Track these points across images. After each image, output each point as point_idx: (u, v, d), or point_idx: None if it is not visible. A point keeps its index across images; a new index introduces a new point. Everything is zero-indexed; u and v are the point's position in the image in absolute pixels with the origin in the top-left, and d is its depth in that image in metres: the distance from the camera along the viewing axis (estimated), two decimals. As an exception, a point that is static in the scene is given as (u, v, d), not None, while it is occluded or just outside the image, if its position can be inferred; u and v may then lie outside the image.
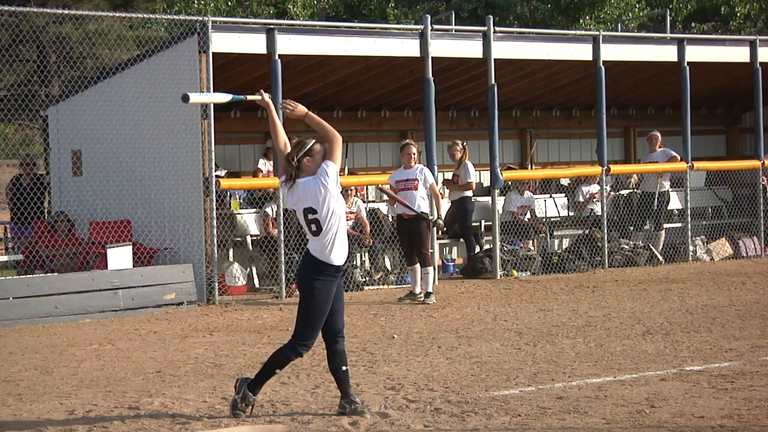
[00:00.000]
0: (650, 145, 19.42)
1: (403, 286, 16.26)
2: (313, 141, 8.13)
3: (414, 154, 14.87)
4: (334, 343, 8.17)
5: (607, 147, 18.55)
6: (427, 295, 14.63)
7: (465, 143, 17.78)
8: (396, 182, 14.91)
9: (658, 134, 19.37)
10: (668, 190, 19.20)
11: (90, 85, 16.22)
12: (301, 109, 8.25)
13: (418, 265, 14.72)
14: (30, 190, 15.96)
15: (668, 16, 24.25)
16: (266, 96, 8.41)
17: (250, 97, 8.42)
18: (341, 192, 8.26)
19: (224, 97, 8.59)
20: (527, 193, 18.60)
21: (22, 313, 13.39)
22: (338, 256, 8.00)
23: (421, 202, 14.67)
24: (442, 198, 16.27)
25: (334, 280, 8.02)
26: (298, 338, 8.07)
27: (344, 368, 8.19)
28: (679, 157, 18.98)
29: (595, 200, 18.61)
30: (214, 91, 14.29)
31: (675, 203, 19.99)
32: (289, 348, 8.13)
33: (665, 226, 19.27)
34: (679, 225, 19.45)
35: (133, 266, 14.70)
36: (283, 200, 8.11)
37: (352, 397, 8.20)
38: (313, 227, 7.99)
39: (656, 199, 18.88)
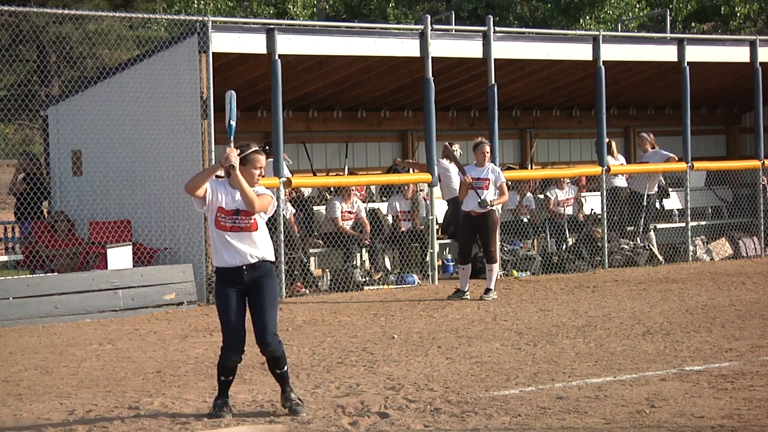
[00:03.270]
0: (641, 146, 19.47)
1: (403, 286, 16.27)
2: (252, 150, 8.14)
3: (488, 152, 14.87)
4: (262, 352, 8.28)
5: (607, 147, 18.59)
6: (487, 291, 14.75)
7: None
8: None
9: (646, 135, 19.39)
10: (656, 193, 19.19)
11: (90, 85, 16.21)
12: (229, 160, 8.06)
13: (469, 265, 14.88)
14: (32, 189, 15.96)
15: (668, 16, 24.24)
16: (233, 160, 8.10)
17: (230, 152, 8.21)
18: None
19: (232, 118, 8.45)
20: (527, 194, 18.62)
21: (22, 313, 13.39)
22: (216, 259, 8.18)
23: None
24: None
25: (226, 284, 8.14)
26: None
27: (278, 371, 8.25)
28: (676, 157, 18.99)
29: (564, 206, 18.64)
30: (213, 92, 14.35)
31: (675, 203, 20.01)
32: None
33: (659, 226, 19.29)
34: (679, 225, 19.45)
35: (133, 266, 14.70)
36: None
37: (288, 393, 8.29)
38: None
39: (645, 200, 18.89)
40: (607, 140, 19.26)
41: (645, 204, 18.89)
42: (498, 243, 16.95)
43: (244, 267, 8.10)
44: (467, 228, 14.93)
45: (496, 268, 14.92)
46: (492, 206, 14.67)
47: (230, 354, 8.20)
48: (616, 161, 18.85)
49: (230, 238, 8.08)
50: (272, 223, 15.50)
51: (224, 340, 8.23)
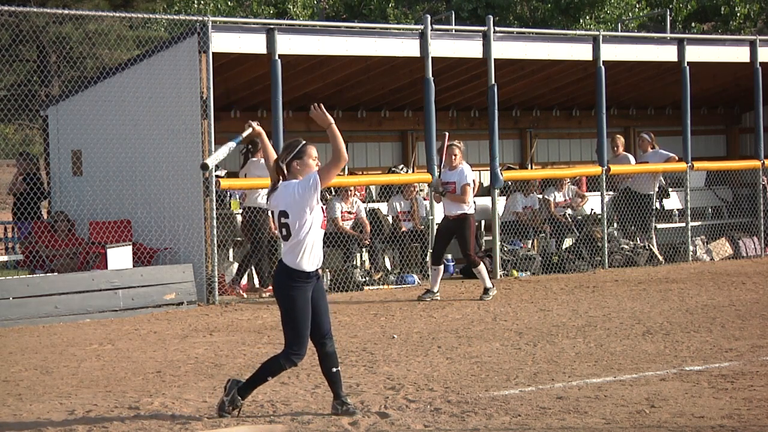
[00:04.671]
0: (641, 146, 19.52)
1: (403, 286, 16.27)
2: (303, 143, 8.13)
3: (456, 155, 14.87)
4: (321, 345, 8.19)
5: (608, 147, 18.59)
6: (486, 291, 14.75)
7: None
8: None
9: (647, 135, 19.42)
10: (655, 193, 19.20)
11: (90, 85, 16.21)
12: (327, 118, 8.15)
13: (441, 267, 14.92)
14: (30, 189, 15.96)
15: (668, 16, 24.25)
16: (255, 125, 8.39)
17: (244, 135, 8.44)
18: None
19: (230, 145, 8.58)
20: (531, 194, 18.62)
21: (22, 313, 13.39)
22: (308, 263, 8.02)
23: (458, 206, 14.70)
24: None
25: (308, 286, 8.04)
26: (290, 347, 8.09)
27: (335, 369, 8.21)
28: (676, 157, 19.00)
29: (564, 206, 18.68)
30: (210, 92, 14.32)
31: (675, 203, 20.00)
32: (283, 357, 8.15)
33: (659, 226, 19.30)
34: (679, 225, 19.45)
35: (133, 266, 14.70)
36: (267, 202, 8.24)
37: (343, 398, 8.23)
38: (284, 231, 8.05)
39: (649, 200, 18.90)
40: (620, 137, 19.34)
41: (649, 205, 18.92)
42: (498, 243, 16.97)
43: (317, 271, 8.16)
44: (441, 230, 15.06)
45: (482, 269, 14.85)
46: (441, 192, 14.70)
47: (300, 359, 8.12)
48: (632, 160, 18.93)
49: (319, 239, 8.10)
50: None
51: (300, 345, 8.04)
